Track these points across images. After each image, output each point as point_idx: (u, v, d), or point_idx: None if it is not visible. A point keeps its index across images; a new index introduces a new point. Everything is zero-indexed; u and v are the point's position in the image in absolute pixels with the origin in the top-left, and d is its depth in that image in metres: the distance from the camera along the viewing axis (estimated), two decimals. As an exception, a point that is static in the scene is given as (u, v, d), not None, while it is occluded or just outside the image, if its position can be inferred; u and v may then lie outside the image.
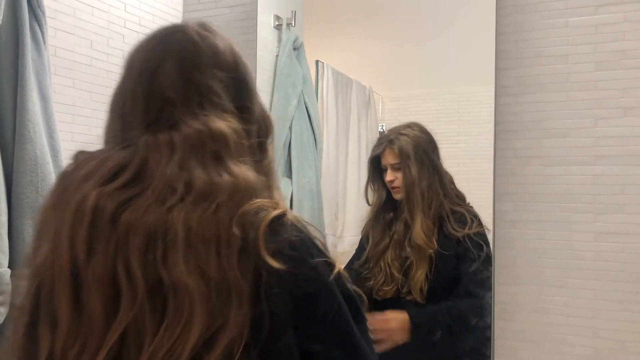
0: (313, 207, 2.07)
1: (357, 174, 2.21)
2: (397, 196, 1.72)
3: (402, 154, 1.68)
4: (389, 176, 1.71)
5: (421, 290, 1.60)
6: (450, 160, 2.00)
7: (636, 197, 1.64)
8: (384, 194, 1.77)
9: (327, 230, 2.12)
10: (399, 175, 1.69)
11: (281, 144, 2.06)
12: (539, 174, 1.75)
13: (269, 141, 0.76)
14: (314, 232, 0.68)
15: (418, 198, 1.64)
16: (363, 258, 1.76)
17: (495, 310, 1.77)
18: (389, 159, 1.71)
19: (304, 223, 0.68)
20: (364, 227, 1.83)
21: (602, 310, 1.67)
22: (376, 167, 1.77)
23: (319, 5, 2.24)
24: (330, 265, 0.66)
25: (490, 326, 1.70)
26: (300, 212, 2.02)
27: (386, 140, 1.73)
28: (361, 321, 0.68)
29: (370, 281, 1.70)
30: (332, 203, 2.17)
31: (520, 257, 1.76)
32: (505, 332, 1.76)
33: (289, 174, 2.07)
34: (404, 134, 1.70)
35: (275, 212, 0.64)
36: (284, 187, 2.04)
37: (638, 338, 1.63)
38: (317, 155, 2.14)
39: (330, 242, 2.12)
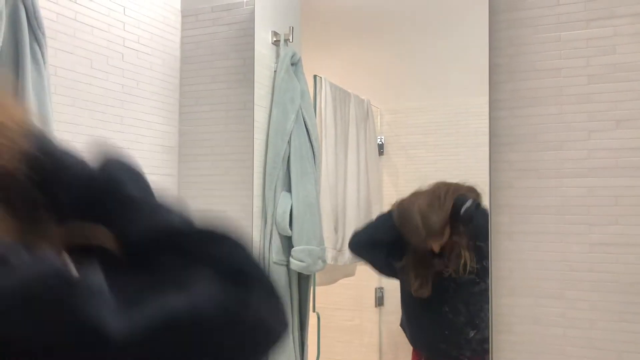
0: (312, 221, 2.09)
1: (356, 187, 2.23)
2: None
3: None
4: None
5: (457, 271, 1.92)
6: (449, 171, 2.03)
7: (630, 208, 1.66)
8: None
9: (327, 244, 2.13)
10: None
11: (280, 158, 2.08)
12: (534, 186, 1.76)
13: None
14: None
15: None
16: (401, 263, 2.04)
17: (493, 322, 1.78)
18: None
19: None
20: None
21: (598, 321, 1.67)
22: None
23: (316, 21, 2.26)
24: None
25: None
26: (300, 226, 2.04)
27: None
28: None
29: (408, 283, 2.01)
30: (331, 216, 2.19)
31: (517, 269, 1.77)
32: (503, 344, 1.77)
33: (288, 188, 2.09)
34: None
35: None
36: (284, 201, 2.06)
37: (634, 348, 1.63)
38: (316, 169, 2.16)
39: (330, 255, 2.14)
